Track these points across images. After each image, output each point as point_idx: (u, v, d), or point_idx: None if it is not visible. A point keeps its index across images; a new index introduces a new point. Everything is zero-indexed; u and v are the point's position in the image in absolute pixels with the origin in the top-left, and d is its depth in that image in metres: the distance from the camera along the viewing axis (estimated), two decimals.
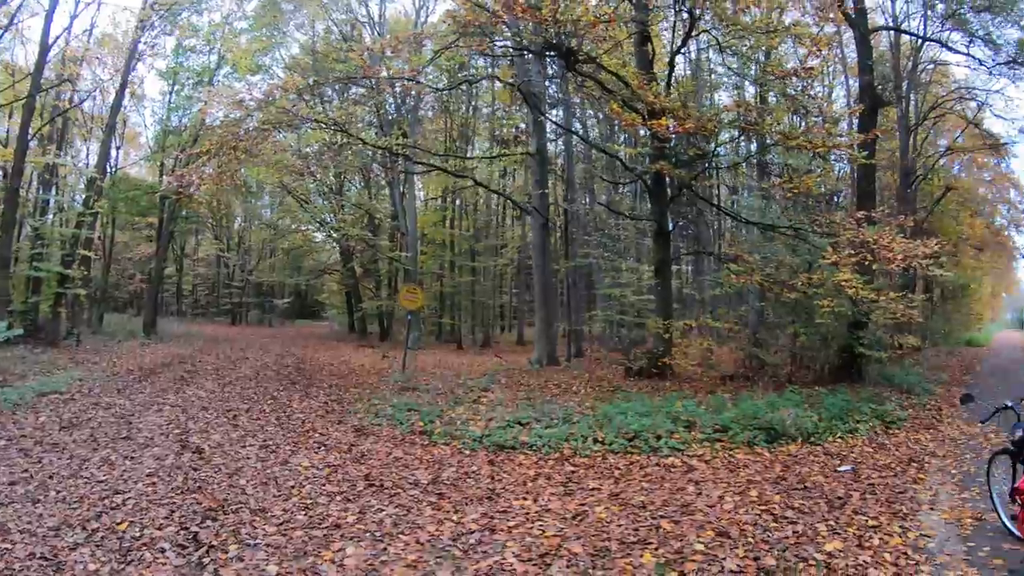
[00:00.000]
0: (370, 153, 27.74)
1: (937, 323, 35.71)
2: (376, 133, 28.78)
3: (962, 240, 40.47)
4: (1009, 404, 6.71)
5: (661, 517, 7.11)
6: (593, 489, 8.25)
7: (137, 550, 6.03)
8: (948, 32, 24.78)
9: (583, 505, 7.59)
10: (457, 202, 41.87)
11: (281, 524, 6.80)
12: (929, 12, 25.83)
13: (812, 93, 24.54)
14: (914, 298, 24.07)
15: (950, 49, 24.75)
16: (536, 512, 7.33)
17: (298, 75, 29.42)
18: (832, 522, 6.97)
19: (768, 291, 17.88)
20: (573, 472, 9.13)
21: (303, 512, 7.19)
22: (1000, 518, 6.80)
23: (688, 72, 29.51)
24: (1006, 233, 45.44)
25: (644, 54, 18.88)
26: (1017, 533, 6.13)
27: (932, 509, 7.62)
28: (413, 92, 22.71)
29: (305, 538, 6.42)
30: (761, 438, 10.84)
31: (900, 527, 6.88)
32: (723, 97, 30.41)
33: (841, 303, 15.57)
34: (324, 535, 6.51)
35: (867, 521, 7.02)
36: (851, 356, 17.64)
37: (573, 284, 28.98)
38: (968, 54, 23.65)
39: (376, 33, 32.33)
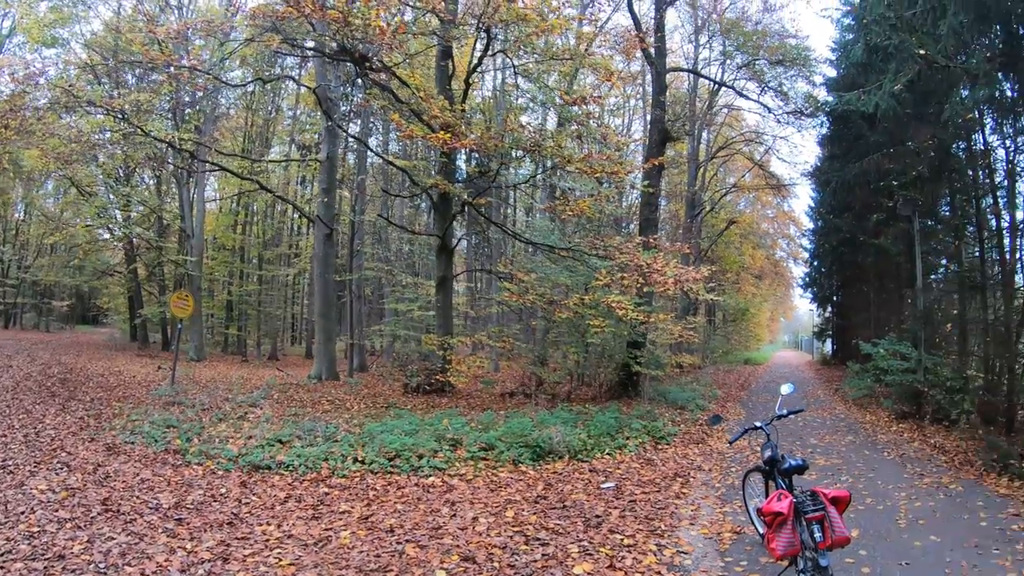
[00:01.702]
0: (162, 147, 25.97)
1: (718, 343, 37.84)
2: (171, 126, 27.04)
3: (744, 269, 43.37)
4: (758, 424, 6.75)
5: (408, 541, 6.81)
6: (344, 512, 7.87)
7: None
8: (744, 80, 26.76)
9: (329, 530, 7.20)
10: (253, 207, 40.14)
11: (0, 555, 6.05)
12: (728, 61, 27.71)
13: (603, 122, 25.40)
14: (694, 320, 25.24)
15: (743, 96, 26.96)
16: (277, 538, 6.87)
17: (96, 54, 27.30)
18: (586, 542, 6.87)
19: (541, 310, 18.12)
20: (327, 494, 8.69)
21: (27, 541, 6.42)
22: (757, 532, 6.94)
23: (496, 95, 29.82)
24: (785, 264, 49.55)
25: (444, 69, 18.78)
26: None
27: (692, 524, 7.73)
28: (209, 86, 21.33)
29: (24, 571, 5.73)
30: (527, 456, 10.76)
31: (656, 545, 6.88)
32: (526, 121, 30.89)
33: (612, 323, 16.00)
34: (45, 567, 5.82)
35: (622, 540, 6.99)
36: (629, 374, 18.22)
37: (358, 297, 28.39)
38: (759, 102, 25.63)
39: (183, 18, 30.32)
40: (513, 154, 17.03)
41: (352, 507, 8.07)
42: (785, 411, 6.89)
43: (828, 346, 41.53)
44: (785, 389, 7.27)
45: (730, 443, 7.10)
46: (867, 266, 25.87)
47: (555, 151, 15.53)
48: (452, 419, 12.46)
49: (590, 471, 10.44)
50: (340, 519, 7.60)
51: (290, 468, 9.71)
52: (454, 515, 7.81)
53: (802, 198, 64.99)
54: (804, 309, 63.30)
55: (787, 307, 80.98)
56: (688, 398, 18.14)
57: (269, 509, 7.92)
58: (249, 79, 24.69)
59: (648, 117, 24.13)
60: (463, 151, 19.20)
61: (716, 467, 11.16)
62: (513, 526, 7.40)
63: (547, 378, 18.74)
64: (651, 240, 16.78)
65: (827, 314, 40.04)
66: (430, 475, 9.70)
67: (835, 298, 37.16)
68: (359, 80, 19.89)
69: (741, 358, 44.51)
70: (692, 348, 30.68)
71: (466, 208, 19.76)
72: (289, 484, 9.10)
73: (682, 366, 25.75)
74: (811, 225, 36.92)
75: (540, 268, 18.41)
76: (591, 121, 17.86)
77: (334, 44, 15.83)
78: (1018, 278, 13.52)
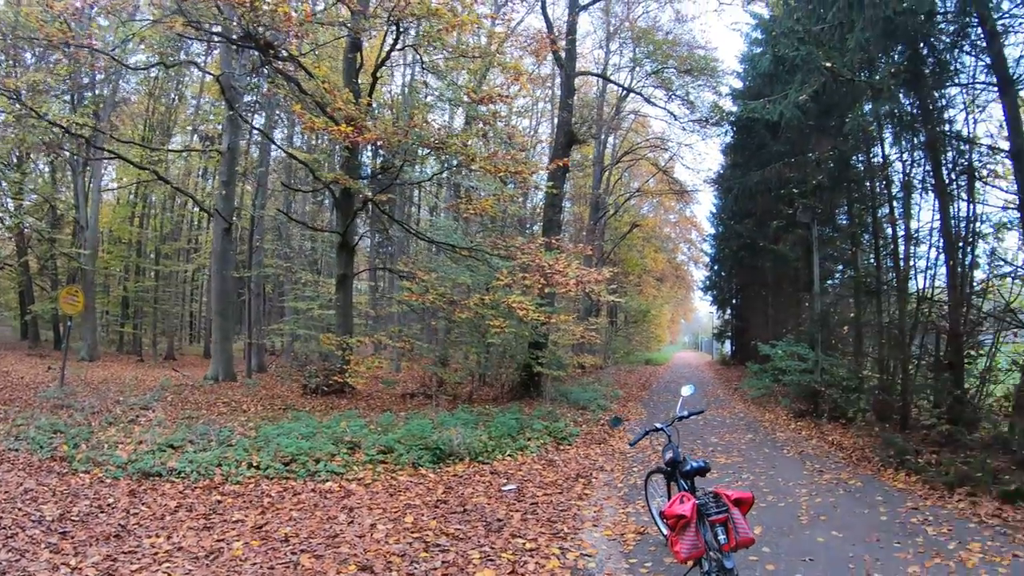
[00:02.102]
0: (58, 132, 24.63)
1: (619, 344, 38.36)
2: (69, 109, 25.69)
3: (646, 272, 44.14)
4: (659, 426, 6.66)
5: (303, 551, 6.52)
6: (237, 521, 7.50)
7: None
8: (652, 88, 27.43)
9: (221, 540, 6.83)
10: (152, 199, 38.59)
11: None
12: (637, 68, 28.21)
13: (510, 122, 25.41)
14: (596, 321, 25.48)
15: (651, 103, 27.69)
16: (167, 551, 6.47)
17: None
18: (488, 548, 6.73)
19: (441, 310, 17.92)
20: (220, 502, 8.26)
21: None
22: (661, 532, 6.89)
23: (405, 91, 29.52)
24: (686, 267, 50.75)
25: (351, 62, 18.34)
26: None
27: (595, 526, 7.68)
28: (109, 68, 20.23)
29: None
30: (427, 459, 10.55)
31: (559, 548, 6.79)
32: (434, 120, 30.61)
33: (513, 324, 15.99)
34: None
35: (525, 544, 6.87)
36: (530, 374, 18.29)
37: (257, 295, 27.61)
38: (666, 109, 26.22)
39: None
40: (419, 151, 16.75)
41: (246, 516, 7.71)
42: (686, 412, 6.88)
43: (727, 347, 42.58)
44: (686, 391, 7.25)
45: (631, 445, 7.05)
46: (766, 270, 26.52)
47: (459, 149, 15.36)
48: (350, 421, 12.13)
49: (491, 473, 10.33)
50: (233, 529, 7.25)
51: (182, 475, 9.21)
52: (352, 522, 7.55)
53: (704, 204, 67.06)
54: (704, 311, 65.18)
55: (687, 309, 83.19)
56: (590, 398, 18.24)
57: (159, 520, 7.48)
58: (152, 63, 23.69)
59: (556, 120, 24.32)
60: (368, 147, 18.86)
61: (618, 467, 11.21)
62: (412, 532, 7.20)
63: (448, 379, 18.60)
64: (553, 241, 16.85)
65: (727, 316, 41.08)
66: (327, 480, 9.38)
67: (734, 301, 38.15)
68: (264, 69, 19.36)
69: (642, 358, 45.33)
70: (594, 349, 31.09)
71: (369, 205, 19.39)
72: (180, 492, 8.63)
73: (584, 366, 26.02)
74: (712, 230, 38.00)
75: (441, 267, 18.22)
76: (498, 122, 17.77)
77: (240, 30, 15.30)
78: (912, 284, 14.04)
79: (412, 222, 29.18)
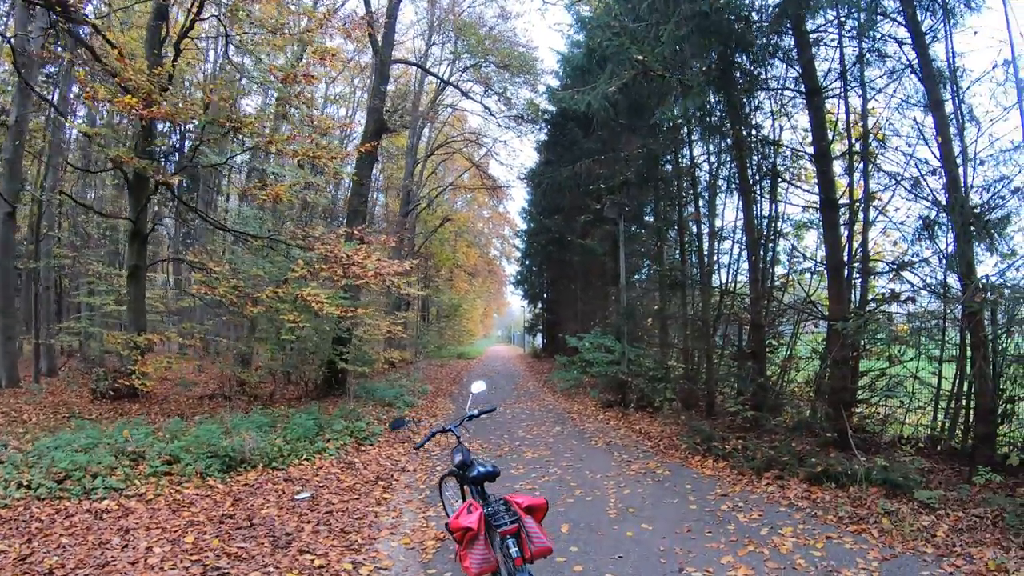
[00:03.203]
0: None
1: (430, 338, 38.27)
2: None
3: (458, 266, 44.39)
4: (447, 426, 6.24)
5: None
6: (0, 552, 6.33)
7: None
8: (471, 83, 27.51)
9: None
10: None
11: None
12: (457, 61, 28.23)
13: (315, 105, 24.59)
14: (404, 316, 25.09)
15: (468, 97, 27.74)
16: None
17: None
18: (272, 568, 6.06)
19: (232, 304, 16.80)
20: None
21: None
22: None
23: (214, 70, 28.00)
24: (498, 262, 51.41)
25: (156, 29, 16.94)
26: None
27: (393, 534, 7.24)
28: None
29: None
30: (216, 467, 9.56)
31: (352, 563, 6.26)
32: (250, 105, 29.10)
33: (312, 318, 15.35)
34: None
35: (314, 561, 6.26)
36: (334, 371, 17.66)
37: (46, 288, 25.19)
38: (483, 104, 26.42)
39: None
40: (217, 131, 15.58)
41: (10, 545, 6.50)
42: (476, 411, 6.51)
43: (539, 340, 43.38)
44: (476, 387, 6.90)
45: (416, 448, 6.58)
46: (575, 264, 27.11)
47: (256, 130, 14.42)
48: (135, 429, 10.83)
49: (285, 480, 9.57)
50: None
51: None
52: (126, 546, 6.59)
53: (518, 200, 68.24)
54: (516, 305, 66.23)
55: (500, 303, 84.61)
56: (395, 395, 17.91)
57: None
58: None
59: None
60: (177, 129, 17.54)
61: (421, 467, 10.85)
62: (192, 554, 6.38)
63: (249, 379, 17.58)
64: (356, 231, 16.21)
65: (537, 310, 41.94)
66: (105, 498, 8.18)
67: (545, 295, 38.95)
68: (55, 30, 17.59)
69: (455, 353, 45.48)
70: (403, 344, 30.75)
71: (168, 191, 17.98)
72: None
73: (393, 362, 25.67)
74: (524, 226, 38.48)
75: (238, 258, 17.14)
76: (303, 105, 16.98)
77: None
78: (715, 278, 14.61)
79: (220, 211, 27.59)
